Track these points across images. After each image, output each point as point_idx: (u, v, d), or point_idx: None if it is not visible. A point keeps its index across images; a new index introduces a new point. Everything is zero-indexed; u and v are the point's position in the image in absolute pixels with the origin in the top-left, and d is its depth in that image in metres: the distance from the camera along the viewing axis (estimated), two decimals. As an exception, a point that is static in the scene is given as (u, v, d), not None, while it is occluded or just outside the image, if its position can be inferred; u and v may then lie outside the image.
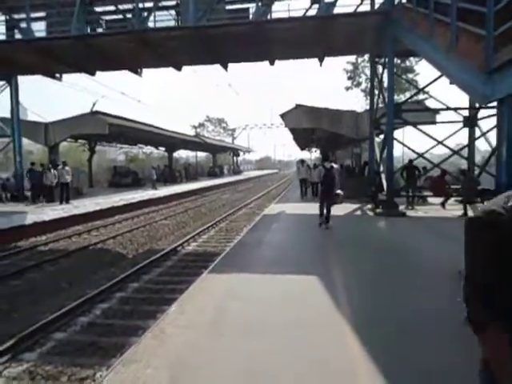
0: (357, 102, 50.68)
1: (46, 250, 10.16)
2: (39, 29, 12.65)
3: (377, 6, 11.59)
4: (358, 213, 11.87)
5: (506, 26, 4.34)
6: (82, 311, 5.91)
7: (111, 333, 5.18)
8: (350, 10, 11.66)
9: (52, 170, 16.19)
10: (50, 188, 16.15)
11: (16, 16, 12.88)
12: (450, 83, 9.09)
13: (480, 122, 13.52)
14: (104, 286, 6.78)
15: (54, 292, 6.91)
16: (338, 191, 9.09)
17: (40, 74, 15.69)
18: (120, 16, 12.38)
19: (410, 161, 13.52)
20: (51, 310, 5.80)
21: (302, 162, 17.92)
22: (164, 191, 23.47)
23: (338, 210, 10.86)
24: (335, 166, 9.51)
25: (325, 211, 9.15)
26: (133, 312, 5.90)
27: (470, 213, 10.67)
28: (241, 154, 65.35)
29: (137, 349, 3.06)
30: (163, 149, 36.20)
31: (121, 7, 12.22)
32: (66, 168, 16.23)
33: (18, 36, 12.53)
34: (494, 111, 12.06)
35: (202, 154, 58.90)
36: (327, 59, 14.49)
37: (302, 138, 30.97)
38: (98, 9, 13.00)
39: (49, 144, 20.26)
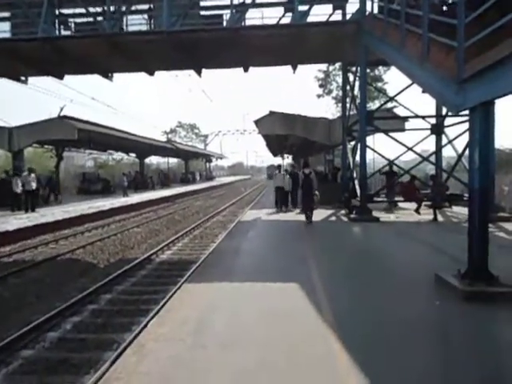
0: (328, 109, 51.62)
1: (10, 262, 9.62)
2: (3, 29, 12.12)
3: (349, 16, 11.86)
4: (333, 218, 12.00)
5: (476, 37, 4.51)
6: (51, 326, 5.60)
7: (84, 348, 4.92)
8: (323, 19, 11.87)
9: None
10: (15, 195, 15.42)
11: (-23, 15, 12.30)
12: (423, 92, 9.40)
13: (446, 130, 14.08)
14: (74, 299, 6.47)
15: (20, 306, 6.52)
16: (316, 192, 10.80)
17: (4, 77, 14.98)
18: (90, 19, 12.03)
19: (391, 167, 14.00)
20: (17, 326, 5.46)
21: (279, 167, 15.54)
22: (135, 198, 22.94)
23: (314, 215, 10.96)
24: (312, 172, 11.13)
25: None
26: (106, 325, 5.65)
27: (440, 217, 11.04)
28: (213, 160, 65.09)
29: (116, 365, 2.90)
30: (134, 155, 35.45)
31: (92, 10, 11.87)
32: (32, 175, 15.56)
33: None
34: (459, 119, 12.61)
35: (173, 160, 58.12)
36: (300, 67, 14.68)
37: (276, 145, 31.22)
38: (68, 11, 12.60)
39: (13, 149, 19.36)
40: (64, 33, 12.35)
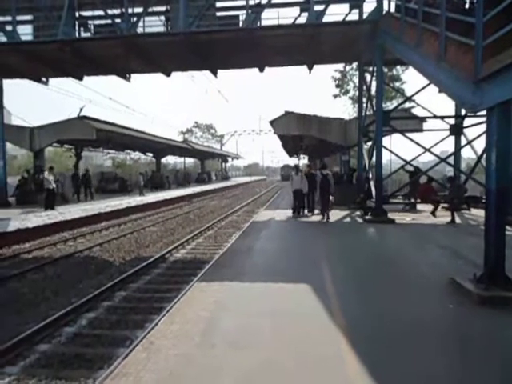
0: (345, 110, 51.17)
1: (29, 258, 9.89)
2: (26, 32, 12.46)
3: (365, 15, 11.74)
4: (348, 219, 11.90)
5: (495, 36, 4.40)
6: (68, 321, 5.74)
7: (98, 344, 5.03)
8: (339, 18, 11.79)
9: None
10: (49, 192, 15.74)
11: (1, 18, 12.65)
12: (439, 92, 9.23)
13: (465, 130, 13.79)
14: (90, 295, 6.61)
15: (38, 302, 6.70)
16: (331, 197, 11.29)
17: (26, 78, 15.42)
18: (109, 21, 12.25)
19: (416, 168, 13.88)
20: (35, 321, 5.61)
21: (296, 168, 13.34)
22: (151, 197, 23.22)
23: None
24: (330, 173, 11.80)
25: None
26: (120, 322, 5.75)
27: (458, 219, 10.81)
28: (229, 160, 65.36)
29: (126, 361, 2.95)
30: (151, 155, 35.91)
31: (110, 12, 12.09)
32: (45, 173, 15.94)
33: (3, 39, 12.29)
34: (479, 120, 12.33)
35: (190, 160, 58.67)
36: (316, 67, 14.61)
37: (291, 145, 31.15)
38: (87, 13, 12.87)
39: (34, 149, 19.88)
40: (83, 35, 12.62)
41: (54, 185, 15.78)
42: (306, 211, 13.15)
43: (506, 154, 4.43)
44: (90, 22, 12.83)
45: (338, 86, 31.16)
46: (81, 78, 15.08)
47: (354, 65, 26.57)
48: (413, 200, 13.78)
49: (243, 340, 3.36)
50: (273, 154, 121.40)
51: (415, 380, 2.77)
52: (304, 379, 2.75)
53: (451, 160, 14.31)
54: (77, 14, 12.49)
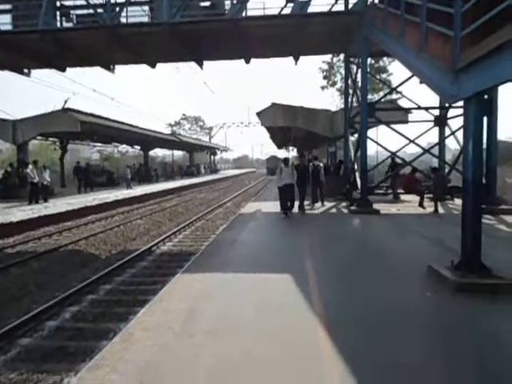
0: (332, 101, 51.21)
1: (13, 253, 9.77)
2: (4, 22, 12.16)
3: (350, 6, 11.72)
4: (334, 210, 11.99)
5: (472, 26, 4.44)
6: (50, 315, 5.71)
7: (80, 337, 5.02)
8: (325, 9, 11.74)
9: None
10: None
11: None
12: (420, 82, 9.30)
13: (449, 122, 13.95)
14: (74, 289, 6.57)
15: (22, 296, 6.64)
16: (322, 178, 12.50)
17: (6, 70, 15.05)
18: (91, 11, 12.00)
19: (393, 159, 14.03)
20: (17, 315, 5.57)
21: (286, 161, 11.12)
22: (139, 190, 23.06)
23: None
24: (321, 164, 13.03)
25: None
26: (104, 315, 5.74)
27: (441, 209, 10.99)
28: (218, 152, 65.04)
29: (103, 353, 2.96)
30: (138, 147, 35.55)
31: (92, 1, 11.85)
32: (30, 167, 15.76)
33: (-19, 29, 11.98)
34: (461, 111, 12.48)
35: (178, 153, 58.21)
36: (305, 59, 14.59)
37: (279, 137, 31.14)
38: (68, 2, 12.60)
39: (17, 142, 19.52)
40: (65, 25, 12.35)
41: (38, 178, 15.57)
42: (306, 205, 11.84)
43: (481, 145, 4.52)
44: (72, 11, 12.55)
45: (325, 77, 31.16)
46: (64, 70, 14.81)
47: (342, 56, 26.55)
48: (392, 191, 13.99)
49: (223, 330, 3.39)
50: (262, 147, 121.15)
51: (388, 367, 2.83)
52: (279, 367, 2.79)
53: (436, 151, 14.50)
54: (58, 4, 12.23)
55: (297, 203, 11.02)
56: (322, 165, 13.15)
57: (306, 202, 11.70)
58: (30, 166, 15.92)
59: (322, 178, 12.50)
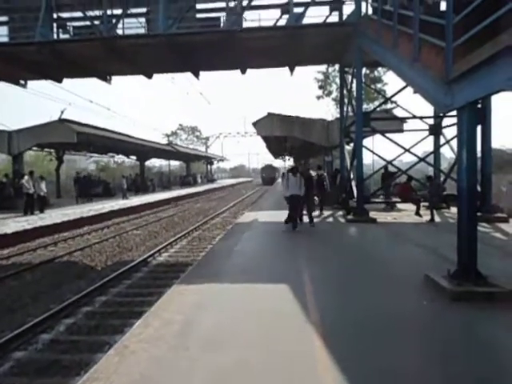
0: (328, 110, 51.56)
1: (8, 264, 9.68)
2: (1, 33, 12.21)
3: (344, 18, 11.89)
4: (330, 219, 11.99)
5: (463, 38, 4.52)
6: (45, 328, 5.64)
7: (75, 350, 4.96)
8: (320, 21, 11.89)
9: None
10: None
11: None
12: (414, 92, 9.40)
13: (444, 130, 14.08)
14: (69, 301, 6.51)
15: (16, 308, 6.57)
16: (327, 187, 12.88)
17: (3, 81, 15.08)
18: (88, 22, 12.09)
19: (386, 168, 14.06)
20: (11, 328, 5.50)
21: (294, 169, 10.16)
22: (135, 200, 23.00)
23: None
24: (325, 173, 13.52)
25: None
26: (99, 327, 5.68)
27: (437, 218, 11.02)
28: (215, 162, 65.13)
29: (98, 366, 2.92)
30: (134, 157, 35.54)
31: (88, 13, 11.94)
32: (26, 177, 15.73)
33: (-22, 41, 12.03)
34: (456, 120, 12.59)
35: (175, 163, 58.22)
36: (300, 69, 14.73)
37: (275, 146, 31.27)
38: (65, 14, 12.68)
39: (12, 153, 19.47)
40: (62, 36, 12.42)
41: (33, 189, 15.52)
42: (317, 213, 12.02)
43: (475, 153, 4.56)
44: (68, 23, 12.64)
45: (320, 87, 31.41)
46: (60, 81, 14.85)
47: (337, 66, 26.83)
48: (386, 200, 14.02)
49: (219, 342, 3.35)
50: (259, 156, 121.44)
51: (383, 376, 2.81)
52: (276, 380, 2.76)
53: (431, 159, 14.57)
54: (55, 16, 12.32)
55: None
56: (325, 174, 13.63)
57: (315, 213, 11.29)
58: (26, 177, 15.88)
59: (326, 187, 12.88)
